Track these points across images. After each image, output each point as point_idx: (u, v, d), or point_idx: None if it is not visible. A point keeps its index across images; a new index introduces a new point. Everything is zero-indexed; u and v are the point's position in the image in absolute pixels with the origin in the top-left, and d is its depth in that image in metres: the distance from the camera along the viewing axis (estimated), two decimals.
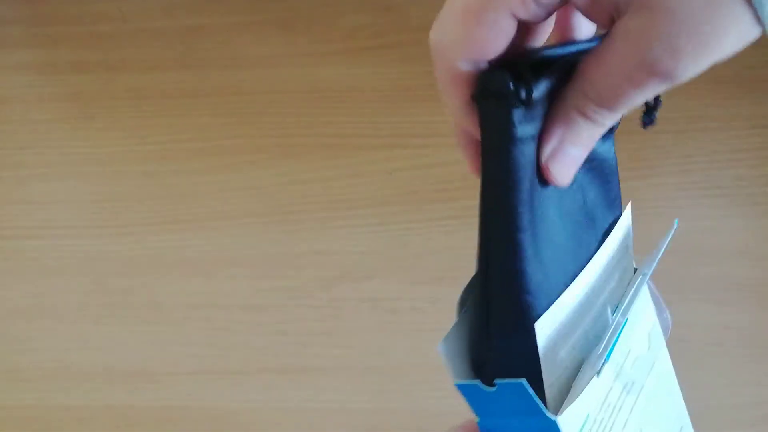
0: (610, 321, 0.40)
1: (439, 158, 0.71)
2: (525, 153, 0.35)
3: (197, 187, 0.80)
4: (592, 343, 0.39)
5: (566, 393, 0.37)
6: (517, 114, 0.34)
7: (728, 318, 0.70)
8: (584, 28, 0.39)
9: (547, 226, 0.37)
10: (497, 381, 0.34)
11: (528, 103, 0.34)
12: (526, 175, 0.35)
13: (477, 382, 0.35)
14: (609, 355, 0.38)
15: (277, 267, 0.74)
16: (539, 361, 0.36)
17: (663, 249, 0.41)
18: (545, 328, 0.36)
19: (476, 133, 0.36)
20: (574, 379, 0.38)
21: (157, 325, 0.71)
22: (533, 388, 0.34)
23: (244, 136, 0.83)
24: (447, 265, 0.73)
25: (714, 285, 0.72)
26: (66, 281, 0.75)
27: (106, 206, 0.79)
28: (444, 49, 0.35)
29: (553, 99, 0.36)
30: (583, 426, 0.36)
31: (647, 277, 0.42)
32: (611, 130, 0.40)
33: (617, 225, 0.41)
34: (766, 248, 0.74)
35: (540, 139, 0.36)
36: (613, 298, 0.41)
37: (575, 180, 0.38)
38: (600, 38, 0.35)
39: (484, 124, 0.35)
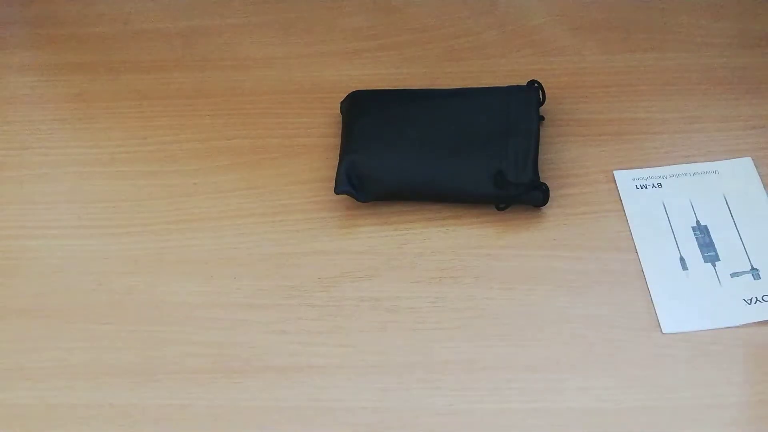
0: None
1: None
2: None
3: (198, 187, 0.80)
4: None
5: None
6: None
7: None
8: None
9: None
10: None
11: None
12: None
13: None
14: None
15: (277, 267, 0.74)
16: None
17: None
18: None
19: None
20: None
21: (157, 325, 0.71)
22: None
23: (244, 136, 0.84)
24: (447, 265, 0.73)
25: None
26: (67, 281, 0.75)
27: (108, 206, 0.80)
28: None
29: None
30: None
31: None
32: None
33: None
34: None
35: None
36: None
37: None
38: None
39: None
